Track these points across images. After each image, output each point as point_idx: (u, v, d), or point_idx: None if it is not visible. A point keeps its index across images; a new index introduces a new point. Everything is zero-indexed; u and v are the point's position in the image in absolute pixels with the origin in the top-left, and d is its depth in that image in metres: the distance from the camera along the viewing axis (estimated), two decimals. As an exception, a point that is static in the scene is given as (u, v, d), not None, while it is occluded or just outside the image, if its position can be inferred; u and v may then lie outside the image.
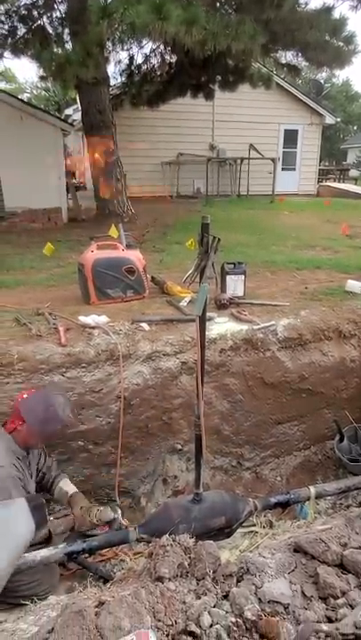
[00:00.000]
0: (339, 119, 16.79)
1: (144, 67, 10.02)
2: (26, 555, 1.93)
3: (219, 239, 1.88)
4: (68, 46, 7.23)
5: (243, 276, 3.90)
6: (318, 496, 2.47)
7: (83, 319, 3.22)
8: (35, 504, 0.87)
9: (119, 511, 2.58)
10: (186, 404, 3.21)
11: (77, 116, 12.29)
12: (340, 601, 1.31)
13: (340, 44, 7.60)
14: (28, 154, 8.40)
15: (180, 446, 3.31)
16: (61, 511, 2.82)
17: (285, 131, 15.20)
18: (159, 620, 1.22)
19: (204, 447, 2.11)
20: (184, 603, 1.30)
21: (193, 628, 1.20)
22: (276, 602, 1.31)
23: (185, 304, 3.68)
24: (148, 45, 9.23)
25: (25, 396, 2.45)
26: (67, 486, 2.66)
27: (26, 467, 2.41)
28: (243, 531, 2.51)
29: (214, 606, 1.29)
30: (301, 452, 3.82)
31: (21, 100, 9.56)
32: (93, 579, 2.33)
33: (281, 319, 3.55)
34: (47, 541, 2.36)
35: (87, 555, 2.32)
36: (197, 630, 1.20)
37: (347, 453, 3.56)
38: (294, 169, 15.73)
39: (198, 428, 2.02)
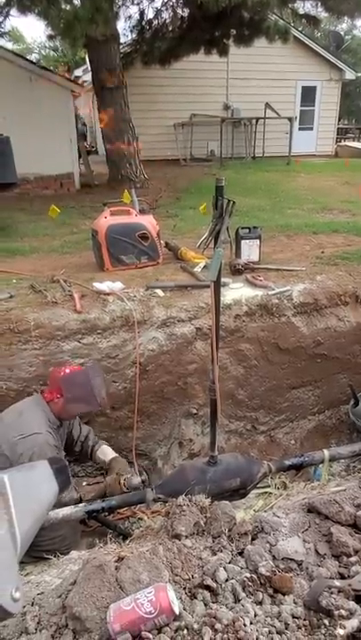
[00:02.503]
0: (359, 74, 15.97)
1: (155, 22, 9.61)
2: (49, 512, 2.01)
3: (233, 202, 1.83)
4: (77, 2, 6.92)
5: (258, 241, 3.85)
6: (332, 459, 2.50)
7: (97, 286, 3.22)
8: (58, 466, 0.90)
9: (144, 474, 2.66)
10: (201, 370, 3.23)
11: (87, 77, 11.91)
12: (353, 559, 1.35)
13: (363, -10, 7.18)
14: (38, 117, 8.21)
15: (195, 410, 3.36)
16: (95, 478, 2.91)
17: (303, 88, 14.52)
18: (176, 575, 1.27)
19: (219, 411, 2.13)
20: (200, 559, 1.34)
21: (209, 582, 1.25)
22: (290, 559, 1.35)
23: (199, 270, 3.65)
24: (160, -1, 8.85)
25: (67, 371, 2.49)
26: (104, 454, 2.75)
27: (58, 436, 2.49)
28: (257, 492, 2.57)
29: (230, 562, 1.34)
30: (316, 416, 3.85)
31: (30, 61, 9.27)
32: (113, 535, 2.43)
33: (297, 284, 3.52)
34: None
35: (107, 513, 2.40)
36: (213, 584, 1.24)
37: (361, 418, 3.58)
38: (312, 128, 15.13)
39: (213, 393, 2.03)
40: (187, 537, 1.42)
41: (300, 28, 13.42)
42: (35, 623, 1.16)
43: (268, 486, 2.63)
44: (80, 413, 2.64)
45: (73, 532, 2.46)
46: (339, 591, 1.22)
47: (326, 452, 2.45)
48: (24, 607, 1.21)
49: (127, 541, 1.73)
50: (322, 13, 10.24)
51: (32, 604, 1.22)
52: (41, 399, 2.47)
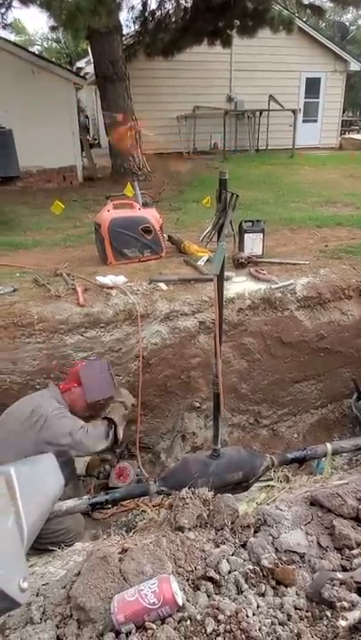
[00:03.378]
0: (364, 65, 15.83)
1: (158, 13, 9.53)
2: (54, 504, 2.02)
3: (237, 196, 1.82)
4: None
5: (261, 235, 3.83)
6: (335, 452, 2.50)
7: (100, 279, 3.22)
8: (63, 459, 0.92)
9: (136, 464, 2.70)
10: (204, 363, 3.24)
11: (90, 69, 11.85)
12: (356, 551, 1.35)
13: (369, -20, 7.09)
14: (41, 110, 8.17)
15: (198, 404, 3.37)
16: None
17: (307, 79, 14.38)
18: (180, 567, 1.28)
19: (222, 405, 2.14)
20: (203, 551, 1.35)
21: (212, 574, 1.26)
22: (293, 551, 1.36)
23: (202, 263, 3.64)
24: (163, -12, 8.77)
25: (84, 363, 2.60)
26: None
27: None
28: (260, 485, 2.58)
29: (232, 555, 1.34)
30: (318, 409, 3.85)
31: (32, 53, 9.21)
32: (117, 527, 2.44)
33: (300, 278, 3.50)
34: None
35: (110, 505, 2.42)
36: (216, 576, 1.25)
37: (364, 411, 3.58)
38: (316, 121, 14.99)
39: (216, 387, 2.04)
40: (190, 529, 1.43)
41: (304, 19, 13.26)
42: (40, 613, 1.18)
43: (271, 479, 2.64)
44: (95, 402, 2.60)
45: (76, 523, 2.48)
46: (341, 583, 1.23)
47: (329, 446, 2.45)
48: (29, 597, 1.22)
49: (131, 533, 1.74)
50: (326, 3, 10.17)
51: (37, 595, 1.24)
52: (53, 386, 2.54)
